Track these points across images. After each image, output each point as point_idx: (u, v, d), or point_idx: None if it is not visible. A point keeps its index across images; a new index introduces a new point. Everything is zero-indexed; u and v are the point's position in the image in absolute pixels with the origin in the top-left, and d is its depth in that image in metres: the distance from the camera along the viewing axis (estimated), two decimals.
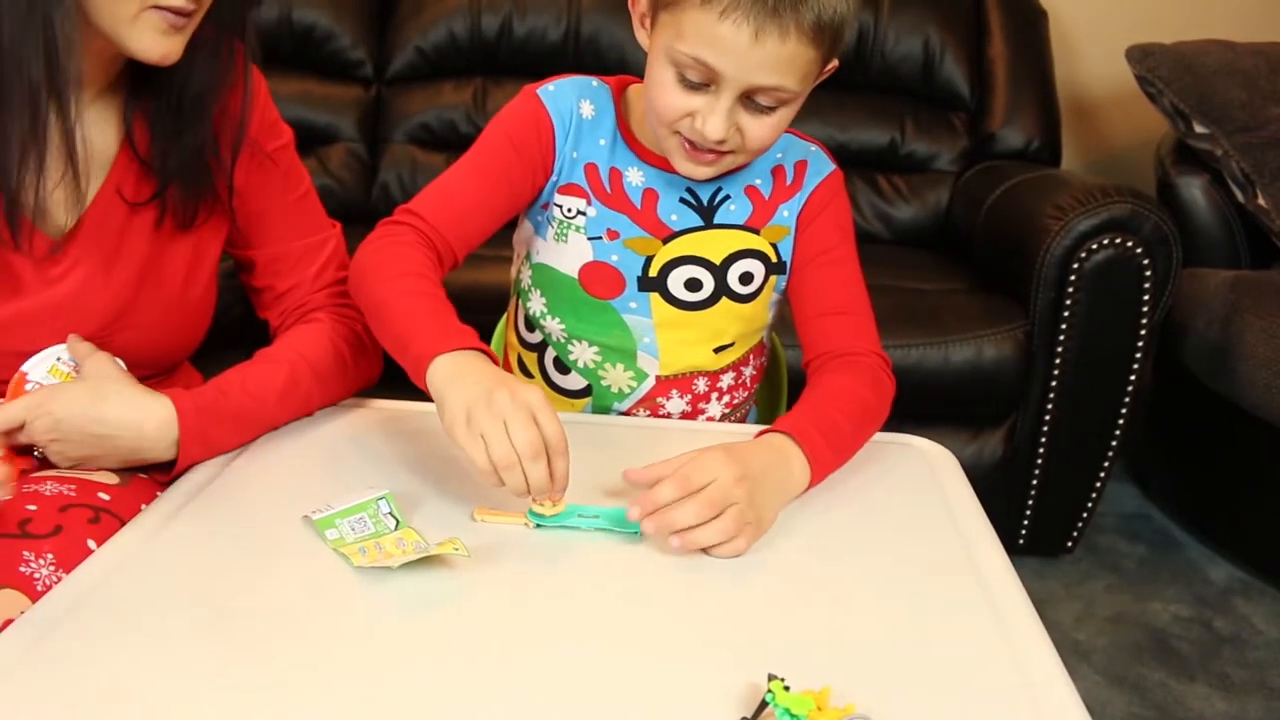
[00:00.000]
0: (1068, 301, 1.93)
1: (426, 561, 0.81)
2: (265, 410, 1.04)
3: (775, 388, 1.39)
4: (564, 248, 1.13)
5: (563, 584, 0.84)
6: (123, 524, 0.88)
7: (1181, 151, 2.36)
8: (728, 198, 1.12)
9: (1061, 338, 1.95)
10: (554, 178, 1.11)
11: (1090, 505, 2.11)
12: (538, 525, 0.90)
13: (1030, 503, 2.10)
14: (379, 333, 1.03)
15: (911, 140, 2.50)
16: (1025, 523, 2.12)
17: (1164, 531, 2.34)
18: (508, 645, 0.75)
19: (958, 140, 2.50)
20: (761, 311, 1.18)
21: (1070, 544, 2.16)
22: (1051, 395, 2.00)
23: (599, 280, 1.13)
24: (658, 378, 1.17)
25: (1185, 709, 1.79)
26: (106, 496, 0.91)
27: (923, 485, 1.04)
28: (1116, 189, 1.92)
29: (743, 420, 1.28)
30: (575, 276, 1.13)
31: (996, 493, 1.91)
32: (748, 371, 1.22)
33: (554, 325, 1.17)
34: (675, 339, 1.15)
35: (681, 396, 1.18)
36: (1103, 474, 2.08)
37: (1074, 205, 1.92)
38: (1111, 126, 2.80)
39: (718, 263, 1.12)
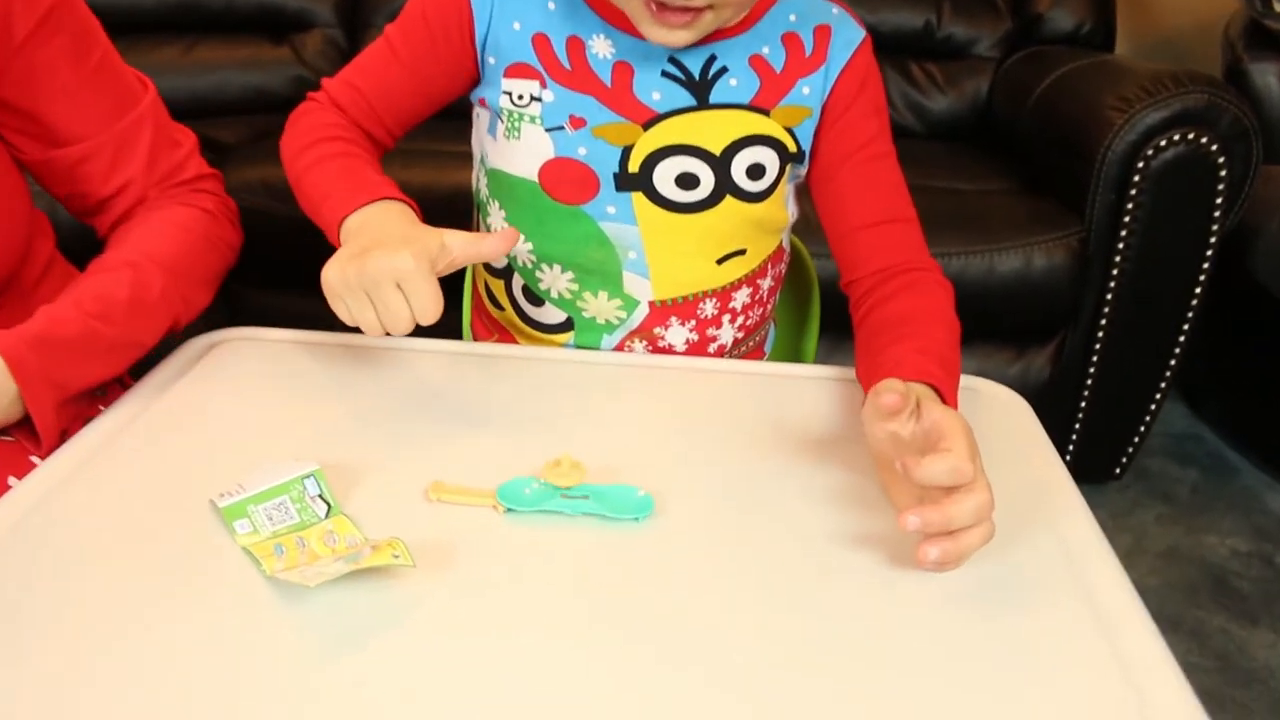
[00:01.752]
0: (1129, 205, 1.70)
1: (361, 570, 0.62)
2: (115, 329, 0.84)
3: (801, 303, 1.18)
4: (517, 145, 0.92)
5: (545, 601, 0.64)
6: None
7: (1255, 34, 2.11)
8: (725, 70, 0.90)
9: (1121, 245, 1.73)
10: (489, 58, 0.91)
11: (1142, 430, 1.92)
12: (509, 510, 0.71)
13: (1077, 427, 1.91)
14: (307, 213, 0.90)
15: (949, 23, 2.24)
16: (1071, 448, 1.93)
17: (1217, 455, 2.15)
18: (469, 693, 0.56)
19: (1000, 23, 2.24)
20: (777, 211, 0.97)
21: (1119, 471, 1.97)
22: (1106, 310, 1.79)
23: (565, 181, 0.92)
24: (651, 304, 0.97)
25: (1249, 658, 1.62)
26: None
27: (995, 437, 0.84)
28: (1190, 76, 1.68)
29: (760, 347, 1.08)
30: (535, 179, 0.92)
31: (1041, 416, 1.73)
32: (765, 284, 1.02)
33: (519, 245, 0.97)
34: (669, 250, 0.94)
35: (684, 324, 0.98)
36: (1159, 396, 1.88)
37: (1141, 96, 1.68)
38: (1169, 7, 2.53)
39: (717, 152, 0.90)
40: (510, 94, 0.90)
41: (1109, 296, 1.78)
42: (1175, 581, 1.77)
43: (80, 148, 0.90)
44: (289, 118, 0.96)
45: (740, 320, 1.00)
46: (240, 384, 0.87)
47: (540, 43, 0.89)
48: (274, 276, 1.80)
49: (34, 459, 0.78)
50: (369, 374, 0.88)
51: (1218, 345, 2.19)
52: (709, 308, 0.98)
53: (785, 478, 0.77)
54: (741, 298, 0.99)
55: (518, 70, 0.90)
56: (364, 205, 0.82)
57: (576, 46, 0.88)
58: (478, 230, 1.04)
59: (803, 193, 1.00)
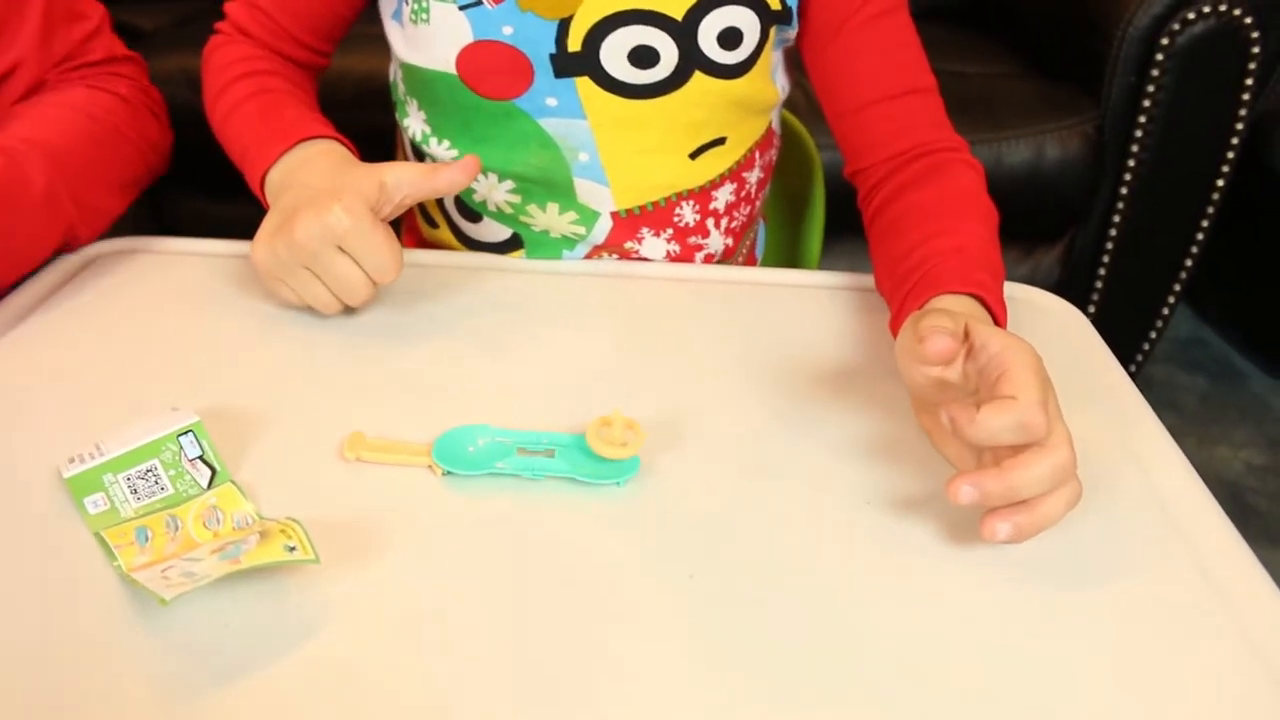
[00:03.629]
0: (1149, 88, 1.53)
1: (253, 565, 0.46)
2: None
3: (798, 194, 1.00)
4: (427, 31, 0.73)
5: (495, 600, 0.48)
6: None
7: None
8: None
9: (1139, 133, 1.57)
10: None
11: (1154, 336, 1.78)
12: (448, 473, 0.54)
13: None
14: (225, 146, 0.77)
15: None
16: None
17: (1224, 361, 2.02)
18: None
19: None
20: (762, 85, 0.78)
21: None
22: (1120, 205, 1.63)
23: (489, 71, 0.73)
24: (615, 214, 0.79)
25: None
26: None
27: (1052, 354, 0.69)
28: None
29: (751, 250, 0.91)
30: (453, 71, 0.73)
31: None
32: (752, 178, 0.84)
33: (442, 151, 0.79)
34: (629, 147, 0.76)
35: (659, 234, 0.81)
36: (1171, 299, 1.74)
37: None
38: None
39: (679, 17, 0.71)
40: None
41: (1123, 190, 1.62)
42: None
43: None
44: (202, 57, 0.81)
45: (726, 223, 0.83)
46: (115, 310, 0.69)
47: None
48: (206, 181, 1.60)
49: None
50: (264, 296, 0.70)
51: (1225, 244, 2.04)
52: (688, 213, 0.80)
53: (801, 423, 0.61)
54: (724, 196, 0.81)
55: None
56: (281, 155, 0.70)
57: None
58: (400, 136, 0.85)
59: (795, 60, 0.82)
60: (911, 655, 0.45)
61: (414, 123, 0.80)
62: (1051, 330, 0.73)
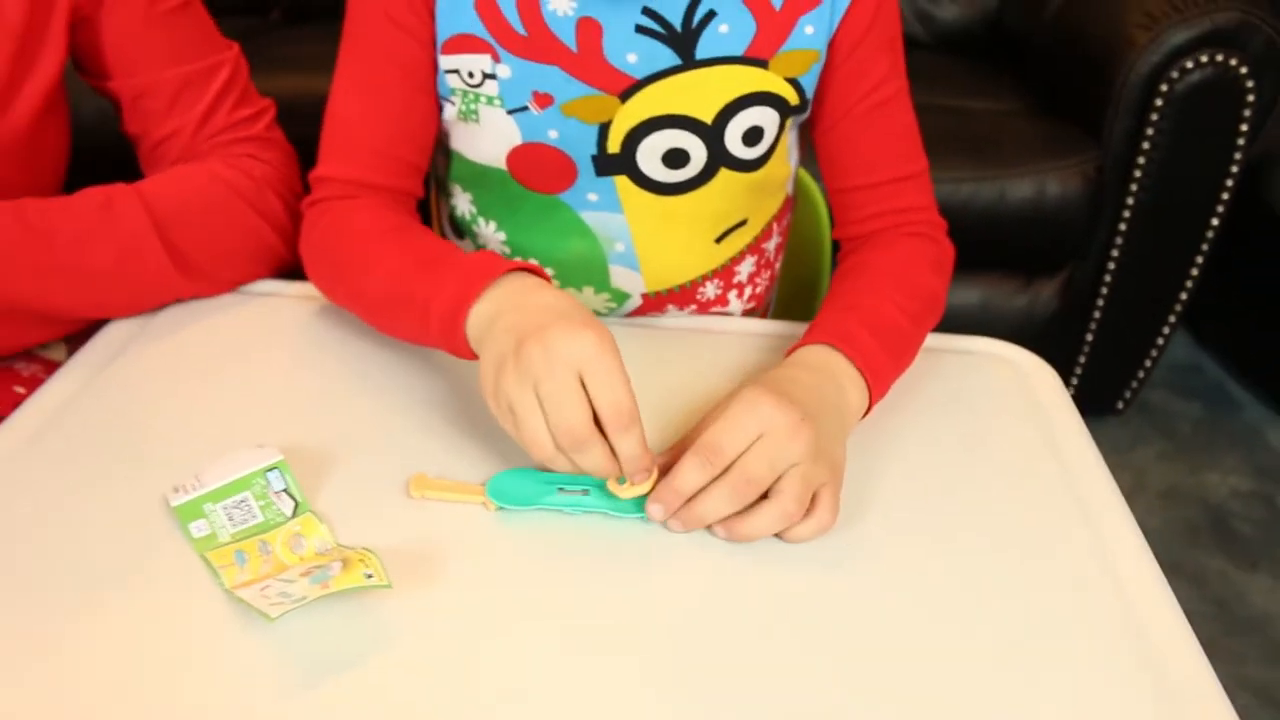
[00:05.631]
0: (1149, 131, 1.61)
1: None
2: (46, 251, 0.74)
3: (808, 244, 1.08)
4: (477, 130, 0.79)
5: (544, 619, 0.57)
6: None
7: None
8: (713, 15, 0.74)
9: (1138, 173, 1.65)
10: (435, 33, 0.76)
11: (1148, 364, 1.86)
12: (500, 508, 0.63)
13: (1082, 360, 1.85)
14: (385, 328, 0.75)
15: None
16: (1075, 381, 1.87)
17: (1219, 388, 2.09)
18: None
19: None
20: (779, 168, 0.86)
21: (1121, 405, 1.92)
22: (1119, 240, 1.71)
23: (538, 169, 0.80)
24: (644, 295, 0.87)
25: (1246, 605, 1.59)
26: None
27: (1020, 407, 0.78)
28: None
29: (766, 308, 0.99)
30: (503, 167, 0.80)
31: (1046, 348, 1.68)
32: (771, 245, 0.92)
33: (489, 232, 0.86)
34: (660, 238, 0.84)
35: (684, 309, 0.89)
36: (1166, 329, 1.81)
37: (1167, 12, 1.58)
38: None
39: (709, 121, 0.78)
40: (459, 72, 0.76)
41: (1122, 226, 1.70)
42: (1175, 523, 1.73)
43: (137, 81, 0.83)
44: (310, 244, 0.80)
45: (749, 291, 0.92)
46: (192, 349, 0.78)
47: (485, 6, 0.73)
48: None
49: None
50: (341, 342, 0.79)
51: (1224, 274, 2.12)
52: (710, 290, 0.88)
53: None
54: (746, 269, 0.90)
55: (462, 43, 0.75)
56: (482, 292, 0.64)
57: (530, 5, 0.73)
58: (436, 206, 0.92)
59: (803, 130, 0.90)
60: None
61: (460, 203, 0.87)
62: (1021, 384, 0.81)
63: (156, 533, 0.60)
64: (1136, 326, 1.82)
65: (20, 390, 0.79)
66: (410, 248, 0.73)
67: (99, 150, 0.95)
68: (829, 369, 0.69)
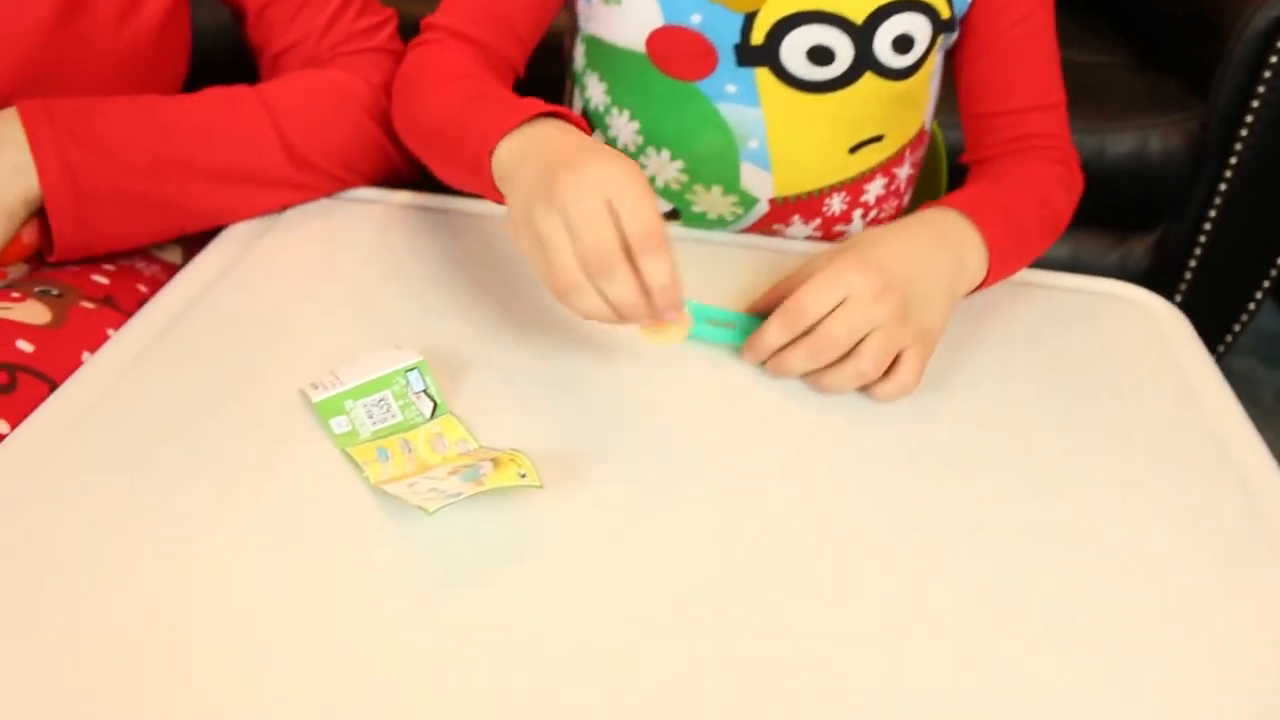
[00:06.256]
0: (1260, 89, 1.56)
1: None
2: (164, 141, 0.74)
3: (929, 190, 1.07)
4: (618, 11, 0.80)
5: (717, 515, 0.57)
6: (52, 388, 0.62)
7: None
8: None
9: (1244, 133, 1.60)
10: None
11: (1236, 331, 1.82)
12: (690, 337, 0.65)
13: None
14: (434, 164, 0.76)
15: None
16: None
17: None
18: (613, 645, 0.50)
19: None
20: (922, 87, 0.86)
21: None
22: (1218, 200, 1.66)
23: (676, 53, 0.80)
24: (772, 201, 0.86)
25: None
26: (29, 347, 0.65)
27: (1147, 354, 0.77)
28: None
29: None
30: (641, 49, 0.80)
31: None
32: (902, 174, 0.91)
33: (622, 122, 0.85)
34: (796, 138, 0.83)
35: (808, 222, 0.88)
36: (1259, 294, 1.77)
37: None
38: None
39: (859, 21, 0.78)
40: None
41: (1222, 187, 1.65)
42: None
43: None
44: (395, 81, 0.80)
45: (872, 214, 0.90)
46: (323, 250, 0.78)
47: None
48: None
49: (109, 330, 0.71)
50: (475, 246, 0.79)
51: None
52: (836, 203, 0.87)
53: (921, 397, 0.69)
54: (875, 190, 0.89)
55: None
56: (515, 127, 0.63)
57: None
58: (571, 106, 0.92)
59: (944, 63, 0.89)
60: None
61: (595, 93, 0.86)
62: (1147, 325, 0.80)
63: (295, 429, 0.60)
64: (1227, 291, 1.78)
65: (143, 289, 0.79)
66: (472, 87, 0.73)
67: (216, 63, 0.95)
68: (952, 232, 0.72)
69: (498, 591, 0.51)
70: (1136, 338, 0.79)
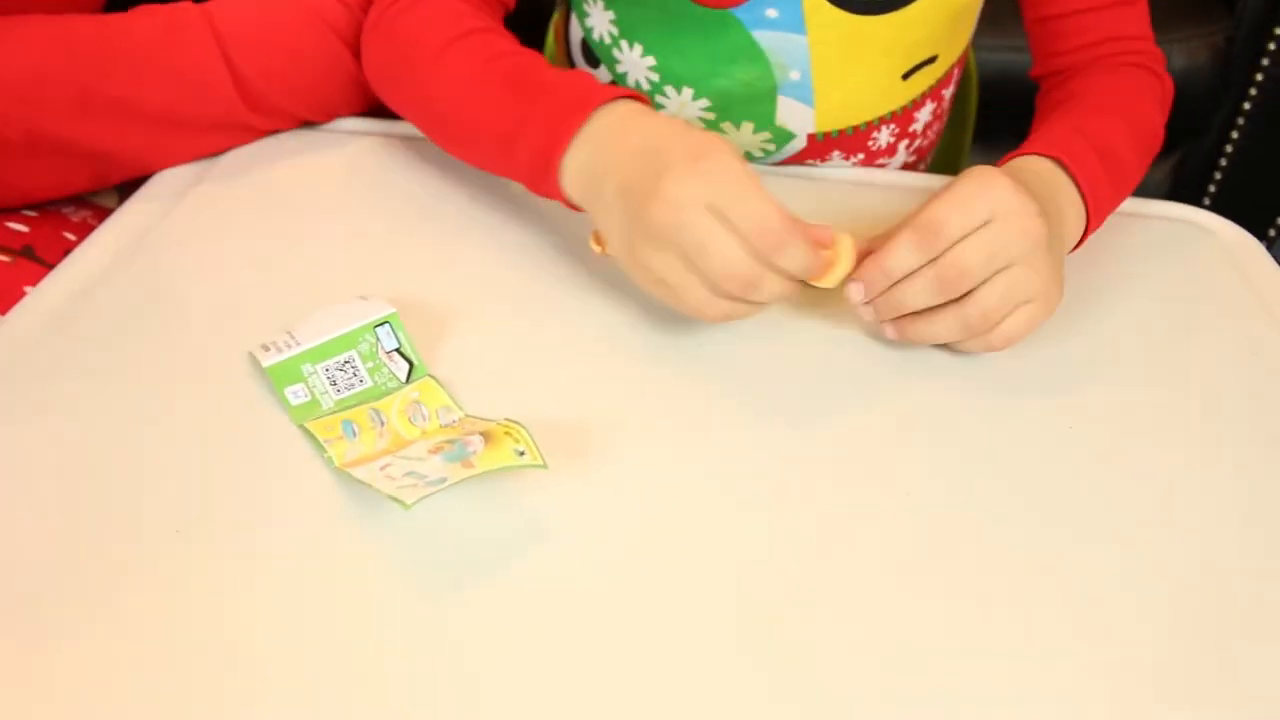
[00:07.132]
0: None
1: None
2: (96, 80, 0.64)
3: (957, 115, 0.96)
4: None
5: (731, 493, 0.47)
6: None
7: None
8: None
9: (1271, 46, 1.50)
10: None
11: None
12: None
13: None
14: (452, 149, 0.66)
15: None
16: None
17: None
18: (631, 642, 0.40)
19: None
20: (975, 2, 0.74)
21: None
22: (1240, 121, 1.57)
23: None
24: (811, 136, 0.74)
25: None
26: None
27: (1219, 283, 0.68)
28: None
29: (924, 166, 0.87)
30: None
31: None
32: (948, 93, 0.80)
33: (634, 58, 0.73)
34: (845, 67, 0.71)
35: (849, 157, 0.77)
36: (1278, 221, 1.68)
37: None
38: None
39: None
40: None
41: (1246, 106, 1.56)
42: None
43: None
44: (368, 21, 0.69)
45: (917, 143, 0.79)
46: (269, 194, 0.67)
47: None
48: None
49: (26, 288, 0.60)
50: (452, 179, 0.68)
51: None
52: (884, 136, 0.76)
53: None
54: (924, 116, 0.77)
55: None
56: (577, 130, 0.56)
57: None
58: (564, 30, 0.80)
59: None
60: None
61: (599, 23, 0.73)
62: (1223, 256, 0.71)
63: (243, 399, 0.50)
64: (1249, 213, 1.68)
65: (71, 237, 0.68)
66: (493, 60, 0.63)
67: None
68: (1050, 186, 0.60)
69: (496, 592, 0.41)
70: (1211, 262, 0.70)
